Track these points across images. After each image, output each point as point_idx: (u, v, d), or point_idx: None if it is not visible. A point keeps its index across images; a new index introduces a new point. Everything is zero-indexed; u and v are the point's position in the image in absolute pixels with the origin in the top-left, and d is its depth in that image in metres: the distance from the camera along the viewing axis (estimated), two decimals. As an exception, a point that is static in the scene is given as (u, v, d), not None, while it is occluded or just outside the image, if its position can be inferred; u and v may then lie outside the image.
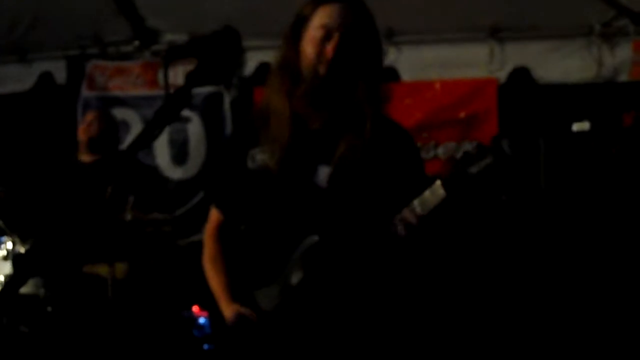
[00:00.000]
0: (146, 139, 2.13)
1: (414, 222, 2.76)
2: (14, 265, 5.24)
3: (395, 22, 6.41)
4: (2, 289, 2.56)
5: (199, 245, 3.34)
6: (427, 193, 2.74)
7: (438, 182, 2.70)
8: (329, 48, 2.95)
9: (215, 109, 6.93)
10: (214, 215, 3.30)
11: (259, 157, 3.07)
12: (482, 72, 6.47)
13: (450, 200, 2.68)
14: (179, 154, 7.08)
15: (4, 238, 5.44)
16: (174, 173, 7.10)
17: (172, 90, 2.18)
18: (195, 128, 7.03)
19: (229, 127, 6.92)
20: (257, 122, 3.12)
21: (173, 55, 2.27)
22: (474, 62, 6.46)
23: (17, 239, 5.35)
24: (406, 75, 6.58)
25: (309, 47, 3.00)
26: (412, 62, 6.57)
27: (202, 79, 2.21)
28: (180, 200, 6.77)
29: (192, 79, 2.19)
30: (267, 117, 3.07)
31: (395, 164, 3.00)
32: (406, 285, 3.10)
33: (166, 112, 2.12)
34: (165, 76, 2.28)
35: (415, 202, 2.75)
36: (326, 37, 2.96)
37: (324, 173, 2.97)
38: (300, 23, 3.07)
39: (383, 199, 2.93)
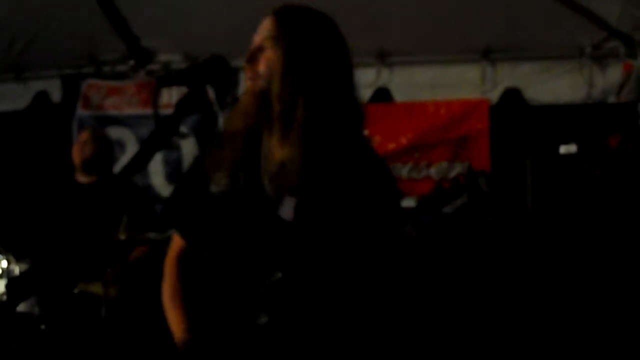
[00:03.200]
0: (139, 165, 2.17)
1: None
2: (10, 286, 5.28)
3: (388, 43, 6.46)
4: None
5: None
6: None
7: (409, 226, 2.59)
8: (261, 65, 2.74)
9: (209, 129, 6.96)
10: (176, 242, 3.08)
11: (223, 181, 2.87)
12: (474, 93, 6.52)
13: (421, 241, 2.57)
14: (173, 173, 7.11)
15: (-1, 257, 5.49)
16: (168, 191, 7.14)
17: (164, 111, 2.18)
18: (189, 147, 7.06)
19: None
20: (221, 144, 2.88)
21: (164, 83, 2.30)
22: (466, 83, 6.51)
23: (11, 258, 5.39)
24: (399, 96, 6.64)
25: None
26: (404, 82, 6.62)
27: (192, 107, 2.24)
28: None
29: (182, 107, 2.22)
30: (226, 139, 2.86)
31: (366, 194, 2.75)
32: (378, 323, 2.88)
33: (157, 138, 2.16)
34: (155, 103, 2.29)
35: None
36: (258, 53, 2.77)
37: (289, 205, 2.75)
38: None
39: (352, 233, 2.72)
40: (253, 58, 2.77)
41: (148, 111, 7.24)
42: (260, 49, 2.77)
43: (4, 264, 5.40)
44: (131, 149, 7.25)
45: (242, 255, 2.85)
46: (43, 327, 5.25)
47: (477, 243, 5.84)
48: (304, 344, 2.78)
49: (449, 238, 2.54)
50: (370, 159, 2.86)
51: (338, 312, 2.80)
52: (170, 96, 7.06)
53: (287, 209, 2.75)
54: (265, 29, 2.79)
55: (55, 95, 7.50)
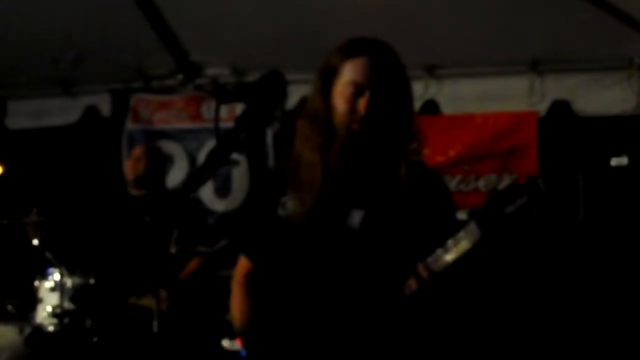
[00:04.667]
0: (197, 182, 2.20)
1: (438, 270, 2.73)
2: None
3: (435, 55, 6.46)
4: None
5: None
6: (461, 233, 2.69)
7: (473, 223, 2.66)
8: (361, 106, 2.90)
9: (257, 143, 7.00)
10: (243, 263, 3.24)
11: (290, 204, 3.02)
12: (522, 105, 6.48)
13: (485, 241, 2.65)
14: (222, 187, 7.15)
15: (52, 270, 5.54)
16: (217, 206, 7.19)
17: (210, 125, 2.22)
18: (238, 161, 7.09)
19: (271, 161, 6.98)
20: (289, 169, 3.08)
21: (224, 100, 2.34)
22: (514, 95, 6.47)
23: (64, 271, 5.45)
24: (447, 109, 6.62)
25: (340, 102, 2.95)
26: (452, 95, 6.60)
27: (250, 123, 2.27)
28: (223, 232, 6.82)
29: (241, 123, 2.25)
30: (297, 165, 3.04)
31: (427, 208, 2.96)
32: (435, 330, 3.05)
33: (217, 155, 2.19)
34: (217, 119, 2.33)
35: (450, 242, 2.71)
36: (357, 93, 2.92)
37: (357, 216, 2.93)
38: (329, 74, 3.01)
39: (415, 243, 2.87)
40: (356, 96, 2.93)
41: (196, 125, 7.30)
42: (360, 90, 2.93)
43: (57, 276, 5.47)
44: (180, 162, 7.31)
45: (308, 268, 2.98)
46: (95, 339, 5.31)
47: (529, 255, 5.83)
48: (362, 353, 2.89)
49: (510, 239, 2.59)
50: (428, 174, 3.11)
51: (398, 317, 2.90)
52: (219, 110, 7.14)
53: (355, 220, 2.93)
54: (364, 69, 2.95)
55: (105, 109, 7.56)
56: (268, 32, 6.44)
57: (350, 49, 3.01)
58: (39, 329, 5.40)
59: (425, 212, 2.95)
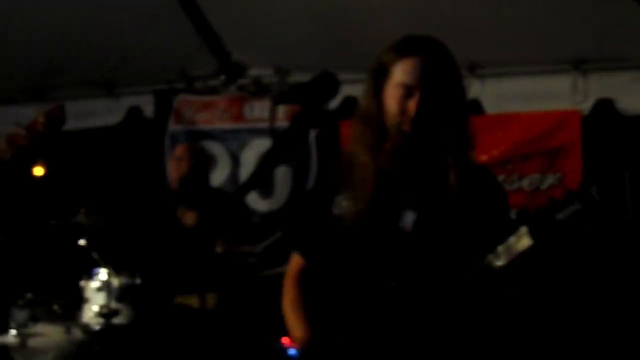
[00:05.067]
0: (258, 180, 2.21)
1: (489, 275, 2.71)
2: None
3: (478, 54, 6.43)
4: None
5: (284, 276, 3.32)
6: (512, 239, 2.66)
7: (524, 229, 2.64)
8: (411, 106, 2.90)
9: (300, 143, 6.95)
10: (295, 260, 3.26)
11: (344, 203, 3.04)
12: (566, 104, 6.43)
13: (536, 247, 2.63)
14: (266, 187, 7.16)
15: (98, 270, 5.57)
16: (261, 206, 7.17)
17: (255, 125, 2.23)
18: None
19: (314, 161, 6.99)
20: (342, 169, 3.09)
21: (280, 100, 2.35)
22: (557, 94, 6.43)
23: (111, 271, 5.48)
24: (490, 108, 6.59)
25: (391, 103, 2.95)
26: (495, 94, 6.57)
27: (307, 123, 2.29)
28: (266, 232, 6.83)
29: (298, 123, 2.26)
30: (350, 165, 3.04)
31: (480, 209, 2.92)
32: (485, 335, 3.01)
33: (275, 155, 2.20)
34: (272, 120, 2.34)
35: (500, 249, 2.69)
36: (407, 94, 2.91)
37: (409, 218, 2.94)
38: (380, 74, 3.01)
39: (468, 245, 2.86)
40: (406, 97, 2.92)
41: (239, 125, 7.32)
42: (410, 91, 2.92)
43: (104, 276, 5.51)
44: (222, 162, 7.33)
45: (360, 267, 2.98)
46: (140, 339, 5.33)
47: (577, 255, 5.79)
48: (415, 351, 2.89)
49: (562, 245, 2.57)
50: (482, 174, 3.09)
51: (450, 319, 2.88)
52: (262, 110, 7.17)
53: (407, 222, 2.94)
54: (414, 70, 2.93)
55: (148, 110, 7.63)
56: (311, 32, 6.46)
57: (401, 49, 2.99)
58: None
59: (478, 214, 2.92)
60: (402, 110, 2.92)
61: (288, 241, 3.46)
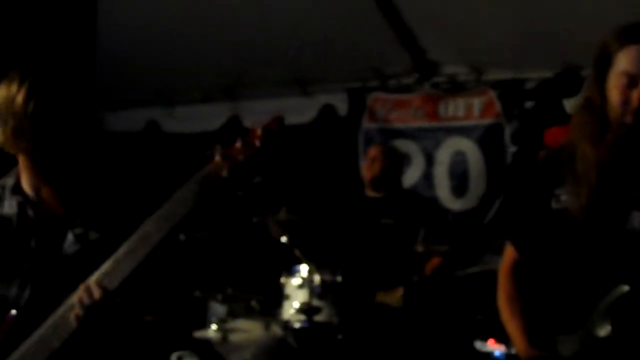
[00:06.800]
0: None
1: None
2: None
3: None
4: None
5: (477, 277, 3.25)
6: None
7: None
8: (635, 97, 2.77)
9: (495, 141, 6.88)
10: (509, 252, 3.17)
11: (564, 198, 2.93)
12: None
13: None
14: (459, 186, 7.10)
15: (299, 267, 5.61)
16: (454, 205, 7.14)
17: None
18: (475, 159, 7.02)
19: (509, 159, 6.84)
20: (564, 161, 2.97)
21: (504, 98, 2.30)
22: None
23: (313, 267, 5.51)
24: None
25: (614, 93, 2.83)
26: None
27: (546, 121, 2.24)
28: (460, 231, 6.76)
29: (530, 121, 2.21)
30: (572, 157, 2.93)
31: None
32: None
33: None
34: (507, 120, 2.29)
35: None
36: (631, 84, 2.78)
37: (637, 219, 2.80)
38: (603, 63, 2.88)
39: None
40: (629, 87, 2.80)
41: (433, 124, 7.28)
42: (634, 81, 2.79)
43: (305, 273, 5.54)
44: (416, 161, 7.31)
45: (583, 266, 2.87)
46: (340, 336, 5.36)
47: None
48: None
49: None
50: None
51: None
52: (457, 108, 7.11)
53: (634, 223, 2.79)
54: (638, 59, 2.80)
55: (342, 108, 7.66)
56: (507, 30, 6.33)
57: (624, 36, 2.86)
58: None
59: None
60: (625, 100, 2.80)
61: (504, 233, 3.35)
